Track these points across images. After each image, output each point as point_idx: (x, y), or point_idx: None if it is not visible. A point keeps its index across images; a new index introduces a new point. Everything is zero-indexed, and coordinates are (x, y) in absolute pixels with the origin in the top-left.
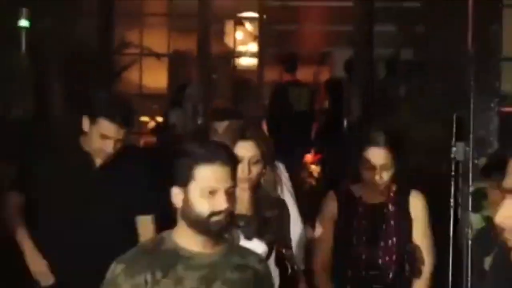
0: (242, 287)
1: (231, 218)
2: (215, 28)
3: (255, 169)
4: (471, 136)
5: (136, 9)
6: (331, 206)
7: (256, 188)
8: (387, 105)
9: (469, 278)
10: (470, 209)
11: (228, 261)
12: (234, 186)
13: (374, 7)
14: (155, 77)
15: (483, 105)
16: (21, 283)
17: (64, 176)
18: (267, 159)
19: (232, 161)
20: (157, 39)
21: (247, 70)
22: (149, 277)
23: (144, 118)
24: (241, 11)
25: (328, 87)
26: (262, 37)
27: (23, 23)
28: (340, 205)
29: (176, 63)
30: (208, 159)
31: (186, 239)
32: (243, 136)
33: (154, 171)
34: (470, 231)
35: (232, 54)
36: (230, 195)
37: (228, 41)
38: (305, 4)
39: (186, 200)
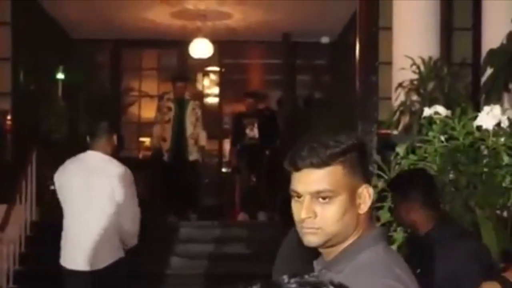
0: None
1: None
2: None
3: None
4: None
5: (136, 65)
6: None
7: None
8: (304, 127)
9: None
10: None
11: None
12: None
13: (296, 64)
14: (149, 111)
15: (366, 128)
16: None
17: None
18: None
19: None
20: (150, 85)
21: (212, 105)
22: None
23: (142, 139)
24: (207, 66)
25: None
26: (221, 83)
27: (60, 76)
28: None
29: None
30: None
31: None
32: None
33: None
34: None
35: (202, 94)
36: None
37: (199, 86)
38: (250, 62)
39: None
